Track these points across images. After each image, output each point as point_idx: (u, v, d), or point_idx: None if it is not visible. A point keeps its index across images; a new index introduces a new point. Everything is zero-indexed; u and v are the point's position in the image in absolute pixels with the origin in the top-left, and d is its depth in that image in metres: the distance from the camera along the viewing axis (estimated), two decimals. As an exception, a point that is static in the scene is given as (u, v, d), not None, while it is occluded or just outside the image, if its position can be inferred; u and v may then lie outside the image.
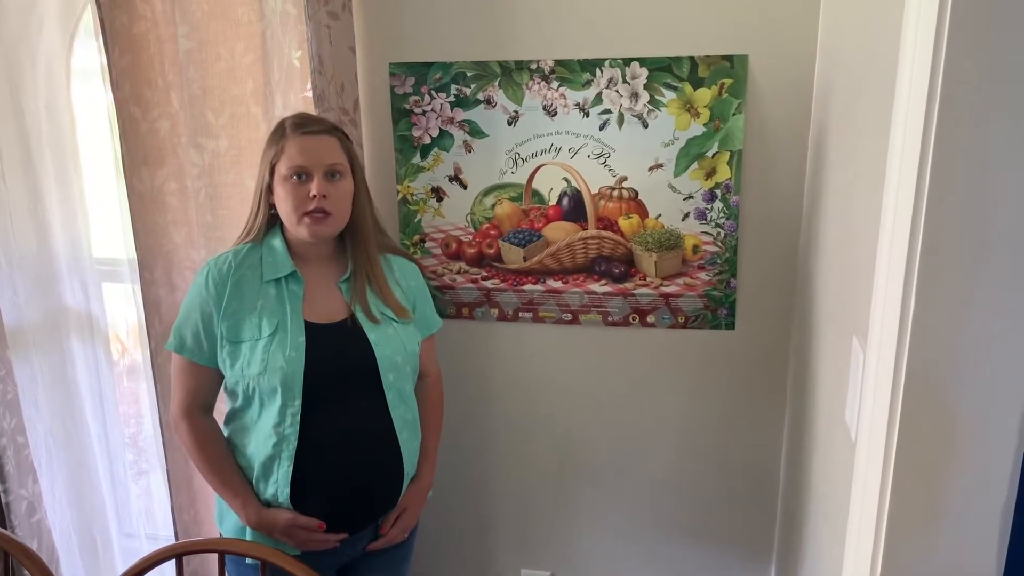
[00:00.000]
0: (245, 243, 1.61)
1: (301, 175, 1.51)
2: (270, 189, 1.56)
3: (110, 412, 2.40)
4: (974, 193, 0.83)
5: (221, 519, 1.67)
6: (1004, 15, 0.78)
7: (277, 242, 1.59)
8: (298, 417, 1.52)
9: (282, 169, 1.52)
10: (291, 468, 1.53)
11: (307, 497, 1.55)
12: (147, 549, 2.46)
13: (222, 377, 1.59)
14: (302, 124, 1.54)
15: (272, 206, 1.58)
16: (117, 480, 2.44)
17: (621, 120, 1.86)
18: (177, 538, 2.19)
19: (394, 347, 1.59)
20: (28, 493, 2.13)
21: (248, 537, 1.58)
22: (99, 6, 1.88)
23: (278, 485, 1.54)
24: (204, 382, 1.60)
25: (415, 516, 1.71)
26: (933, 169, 0.83)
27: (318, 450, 1.54)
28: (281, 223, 1.60)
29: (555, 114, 1.89)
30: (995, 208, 0.83)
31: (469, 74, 1.91)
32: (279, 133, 1.55)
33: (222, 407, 1.65)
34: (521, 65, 1.88)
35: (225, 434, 1.64)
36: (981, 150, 0.82)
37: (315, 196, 1.50)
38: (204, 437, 1.60)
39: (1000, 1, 0.77)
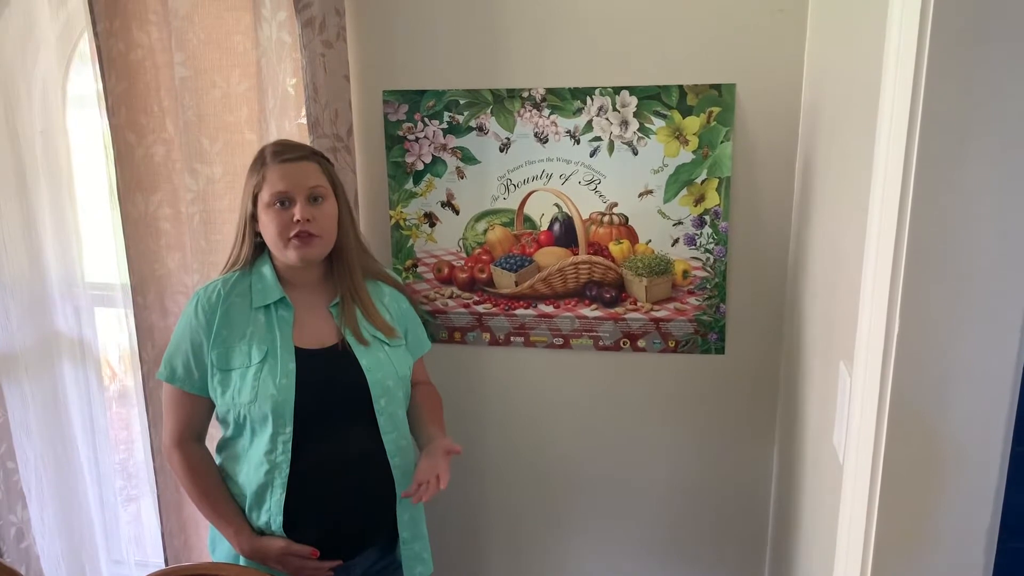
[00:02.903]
0: (233, 271, 1.62)
1: (284, 201, 1.52)
2: (254, 218, 1.57)
3: (100, 438, 2.39)
4: (955, 217, 0.85)
5: (214, 547, 1.66)
6: (982, 44, 0.80)
7: (266, 269, 1.60)
8: (290, 444, 1.52)
9: (265, 196, 1.53)
10: (284, 496, 1.52)
11: (300, 525, 1.54)
12: (136, 576, 2.45)
13: (214, 405, 1.59)
14: (281, 151, 1.56)
15: (258, 234, 1.59)
16: (107, 506, 2.42)
17: (611, 147, 1.89)
18: (167, 564, 2.18)
19: (386, 371, 1.59)
20: (17, 519, 2.12)
21: (242, 565, 1.57)
22: (96, 34, 1.90)
23: (271, 513, 1.53)
24: (196, 411, 1.60)
25: (447, 469, 1.55)
26: (915, 195, 0.85)
27: (310, 477, 1.53)
28: (269, 250, 1.61)
29: (546, 141, 1.92)
30: (975, 232, 0.85)
31: (462, 102, 1.94)
32: (259, 162, 1.56)
33: (215, 433, 1.65)
34: (513, 93, 1.91)
35: (217, 462, 1.63)
36: (961, 175, 0.83)
37: (299, 220, 1.51)
38: (197, 467, 1.60)
39: (978, 29, 0.80)
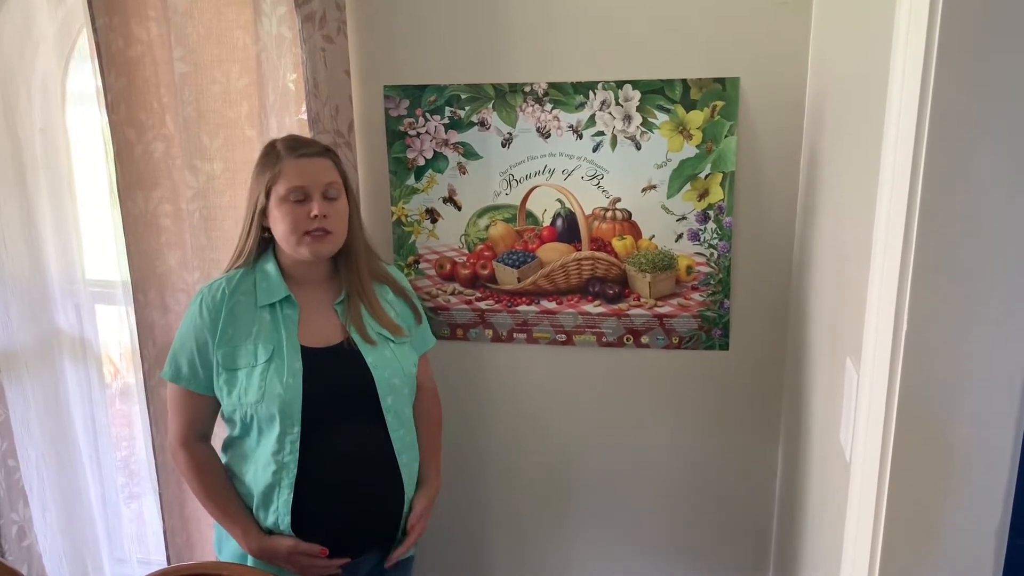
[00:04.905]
0: (237, 268, 1.60)
1: (300, 196, 1.52)
2: (263, 212, 1.56)
3: (102, 435, 2.38)
4: (965, 212, 0.84)
5: (220, 547, 1.65)
6: (993, 34, 0.79)
7: (270, 266, 1.59)
8: (297, 444, 1.51)
9: (280, 191, 1.52)
10: (291, 496, 1.52)
11: (308, 524, 1.54)
12: (139, 574, 2.45)
13: (219, 405, 1.58)
14: (297, 147, 1.55)
15: (265, 229, 1.58)
16: (109, 504, 2.42)
17: (614, 142, 1.87)
18: (169, 562, 2.17)
19: (392, 369, 1.59)
20: (19, 517, 2.11)
21: (249, 564, 1.57)
22: (95, 30, 1.89)
23: (279, 513, 1.53)
24: (201, 411, 1.60)
25: (426, 523, 1.69)
26: (924, 189, 0.84)
27: (318, 477, 1.53)
28: (273, 247, 1.60)
29: (549, 136, 1.90)
30: (986, 227, 0.84)
31: (463, 96, 1.93)
32: (273, 156, 1.55)
33: (219, 431, 1.65)
34: (515, 88, 1.90)
35: (223, 461, 1.63)
36: (971, 169, 0.82)
37: (316, 216, 1.51)
38: (203, 467, 1.59)
39: (987, 21, 0.78)
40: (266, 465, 1.52)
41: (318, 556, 1.54)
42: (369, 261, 1.66)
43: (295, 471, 1.51)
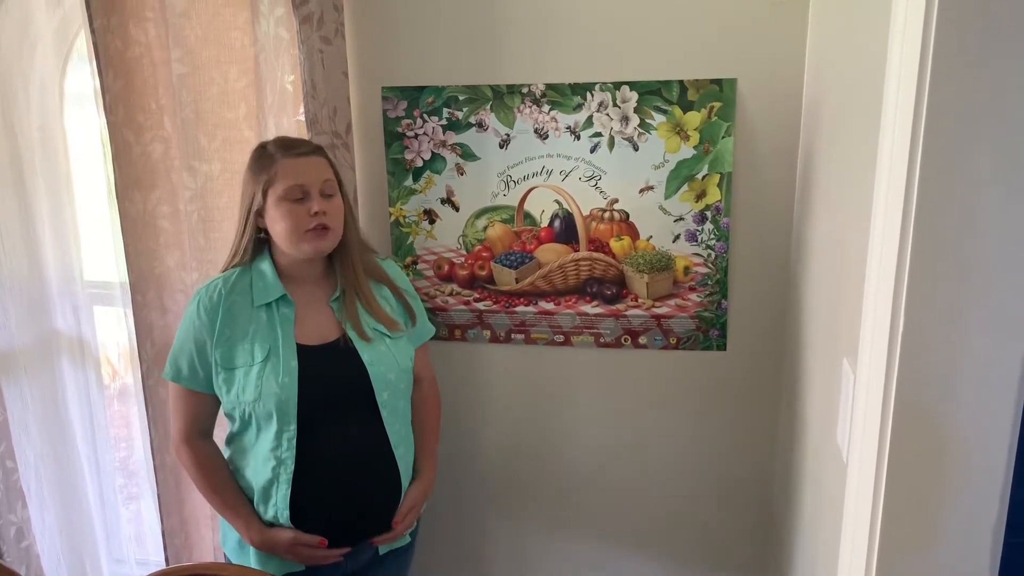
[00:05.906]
0: (233, 268, 1.62)
1: (299, 195, 1.54)
2: (259, 213, 1.57)
3: (101, 436, 2.38)
4: (961, 212, 0.84)
5: (225, 538, 1.69)
6: (989, 33, 0.79)
7: (266, 266, 1.61)
8: (294, 441, 1.54)
9: (279, 190, 1.54)
10: (289, 491, 1.54)
11: (308, 517, 1.57)
12: (137, 575, 2.45)
13: (219, 402, 1.61)
14: (290, 146, 1.58)
15: (260, 230, 1.60)
16: (107, 505, 2.42)
17: (612, 143, 1.88)
18: (168, 563, 2.17)
19: (387, 365, 1.61)
20: (17, 518, 2.11)
21: (251, 554, 1.60)
22: (93, 31, 1.89)
23: (277, 507, 1.56)
24: (202, 409, 1.63)
25: (417, 513, 1.71)
26: (920, 190, 0.84)
27: (316, 472, 1.55)
28: (269, 246, 1.61)
29: (546, 137, 1.91)
30: (983, 228, 0.84)
31: (461, 98, 1.93)
32: (267, 158, 1.56)
33: (221, 427, 1.66)
34: (512, 89, 1.90)
35: (226, 455, 1.66)
36: (967, 169, 0.83)
37: (317, 213, 1.53)
38: (206, 462, 1.63)
39: (983, 21, 0.79)
40: (264, 461, 1.56)
41: (318, 547, 1.57)
42: (364, 257, 1.67)
43: (292, 467, 1.54)
